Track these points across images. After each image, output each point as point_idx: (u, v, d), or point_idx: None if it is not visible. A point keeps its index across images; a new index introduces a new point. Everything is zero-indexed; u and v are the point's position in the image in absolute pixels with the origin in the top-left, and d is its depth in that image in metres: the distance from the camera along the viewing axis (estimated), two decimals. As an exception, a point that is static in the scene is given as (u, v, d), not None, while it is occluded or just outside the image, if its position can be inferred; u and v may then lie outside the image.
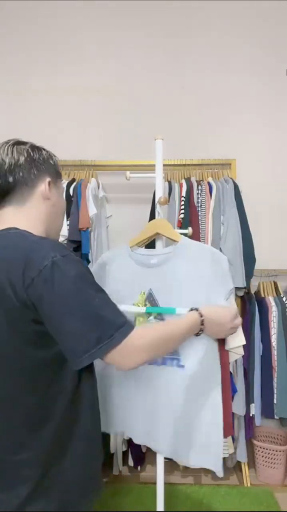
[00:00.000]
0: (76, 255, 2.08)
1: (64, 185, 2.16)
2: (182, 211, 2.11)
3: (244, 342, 1.19)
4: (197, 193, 2.17)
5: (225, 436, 1.14)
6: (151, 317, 1.19)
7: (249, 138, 2.45)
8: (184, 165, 2.25)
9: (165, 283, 1.19)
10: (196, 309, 1.04)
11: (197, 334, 1.04)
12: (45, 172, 0.94)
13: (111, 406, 1.24)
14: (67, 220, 2.13)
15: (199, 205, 2.15)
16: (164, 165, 1.37)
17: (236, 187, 2.16)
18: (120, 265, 1.27)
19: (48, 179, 0.93)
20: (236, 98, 2.46)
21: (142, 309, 1.20)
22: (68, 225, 2.12)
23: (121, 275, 1.25)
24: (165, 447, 1.14)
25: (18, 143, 0.92)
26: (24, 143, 0.94)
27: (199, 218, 2.12)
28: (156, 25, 2.47)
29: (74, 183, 2.19)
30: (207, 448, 1.09)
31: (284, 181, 2.45)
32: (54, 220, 0.96)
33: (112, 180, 2.39)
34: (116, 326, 0.78)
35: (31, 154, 0.91)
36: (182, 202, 2.13)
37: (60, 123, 2.49)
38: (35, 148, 0.95)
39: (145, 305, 1.21)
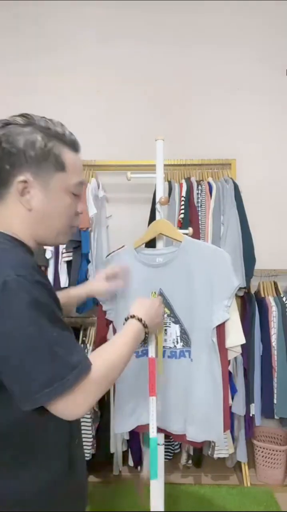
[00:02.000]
0: (76, 254, 2.12)
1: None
2: (182, 211, 2.11)
3: (243, 341, 1.22)
4: (197, 193, 2.17)
5: (224, 430, 1.23)
6: (165, 315, 1.21)
7: (249, 138, 2.45)
8: (184, 165, 2.25)
9: (173, 282, 1.21)
10: (132, 316, 0.96)
11: (144, 340, 0.97)
12: (20, 167, 0.74)
13: (122, 401, 1.30)
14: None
15: (199, 205, 2.15)
16: (164, 165, 1.37)
17: (236, 187, 2.17)
18: (131, 266, 1.27)
19: (21, 178, 0.74)
20: (236, 98, 2.46)
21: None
22: (68, 225, 2.11)
23: (132, 276, 1.25)
24: (175, 425, 1.25)
25: None
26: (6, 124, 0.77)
27: (199, 218, 2.13)
28: (156, 25, 2.47)
29: (74, 183, 2.18)
30: (210, 424, 1.19)
31: (284, 181, 2.45)
32: (42, 223, 0.78)
33: (112, 180, 2.39)
34: (71, 366, 0.65)
35: (2, 143, 0.73)
36: (182, 202, 2.13)
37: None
38: (12, 134, 0.75)
39: None
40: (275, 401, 2.12)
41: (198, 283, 1.18)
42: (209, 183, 2.18)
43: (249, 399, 2.12)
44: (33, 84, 2.50)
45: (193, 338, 1.21)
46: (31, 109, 2.65)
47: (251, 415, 2.12)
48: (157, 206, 1.35)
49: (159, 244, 1.34)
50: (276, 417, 2.13)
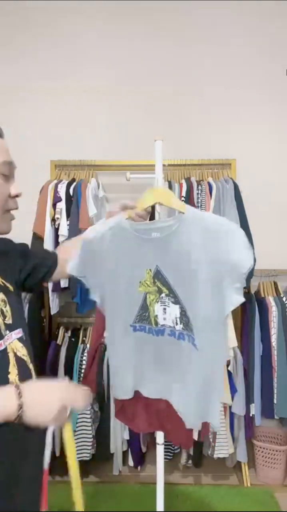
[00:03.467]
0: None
1: (64, 185, 2.16)
2: (182, 211, 2.11)
3: (235, 344, 1.22)
4: (197, 193, 2.17)
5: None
6: (163, 294, 1.08)
7: (249, 138, 2.45)
8: (184, 165, 2.25)
9: (172, 259, 1.04)
10: (16, 386, 0.69)
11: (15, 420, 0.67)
12: None
13: (125, 370, 1.20)
14: (67, 220, 2.13)
15: (199, 205, 2.15)
16: (164, 165, 1.37)
17: (236, 187, 2.17)
18: (119, 240, 1.09)
19: None
20: (236, 98, 2.46)
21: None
22: (68, 225, 2.12)
23: (122, 251, 1.09)
24: (176, 400, 1.16)
25: None
26: None
27: (199, 218, 2.13)
28: (156, 25, 2.47)
29: (74, 183, 2.19)
30: (208, 409, 1.10)
31: (284, 181, 2.45)
32: None
33: (112, 180, 2.39)
34: None
35: None
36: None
37: (60, 123, 2.49)
38: None
39: (154, 282, 1.08)
40: (275, 401, 2.12)
41: (202, 263, 0.99)
42: (209, 183, 2.18)
43: (249, 399, 2.12)
44: (33, 85, 2.50)
45: (198, 325, 1.04)
46: (30, 109, 2.66)
47: (251, 415, 2.12)
48: (157, 206, 1.35)
49: (159, 215, 1.16)
50: (276, 417, 2.13)
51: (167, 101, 2.46)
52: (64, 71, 2.50)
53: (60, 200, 2.13)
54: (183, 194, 2.14)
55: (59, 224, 2.12)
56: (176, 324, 1.09)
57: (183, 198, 2.13)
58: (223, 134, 2.44)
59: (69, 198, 2.14)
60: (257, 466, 2.25)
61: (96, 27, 2.50)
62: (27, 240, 2.05)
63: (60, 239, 2.12)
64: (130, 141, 2.43)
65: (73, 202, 2.13)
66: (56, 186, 2.16)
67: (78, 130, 2.49)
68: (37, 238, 2.11)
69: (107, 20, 2.49)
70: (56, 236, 2.14)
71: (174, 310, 1.08)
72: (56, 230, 2.14)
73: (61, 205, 2.13)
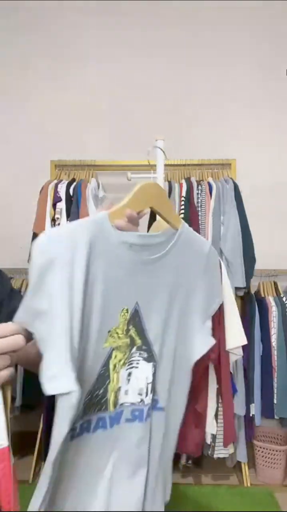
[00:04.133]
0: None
1: (64, 185, 2.16)
2: (182, 211, 2.11)
3: (245, 342, 1.14)
4: (197, 193, 2.17)
5: (227, 443, 0.98)
6: (134, 349, 0.68)
7: (249, 138, 2.45)
8: (184, 165, 2.25)
9: (156, 293, 0.70)
10: None
11: None
12: None
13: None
14: (67, 220, 2.13)
15: (199, 205, 2.15)
16: (164, 165, 1.37)
17: (236, 187, 2.17)
18: (96, 255, 0.61)
19: None
20: (236, 98, 2.46)
21: None
22: (68, 225, 2.12)
23: (101, 275, 0.62)
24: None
25: None
26: None
27: (199, 218, 2.13)
28: (156, 25, 2.47)
29: (74, 183, 2.19)
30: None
31: (284, 181, 2.45)
32: None
33: (112, 180, 2.39)
34: None
35: None
36: (182, 202, 2.13)
37: (60, 123, 2.49)
38: None
39: (128, 331, 0.67)
40: (275, 401, 2.12)
41: (190, 297, 0.74)
42: (209, 183, 2.18)
43: (249, 399, 2.12)
44: (34, 85, 2.50)
45: (166, 378, 0.73)
46: (31, 109, 2.66)
47: (251, 415, 2.12)
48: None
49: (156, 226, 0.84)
50: (276, 417, 2.13)
51: (168, 101, 2.47)
52: (64, 71, 2.50)
53: (60, 200, 2.13)
54: (183, 194, 2.14)
55: (59, 224, 2.12)
56: (146, 394, 0.68)
57: (183, 198, 2.13)
58: (223, 134, 2.44)
59: (69, 198, 2.15)
60: (257, 466, 2.25)
61: (97, 27, 2.50)
62: (27, 240, 2.05)
63: (60, 239, 2.12)
64: (130, 141, 2.43)
65: (73, 202, 2.13)
66: (56, 186, 2.16)
67: (78, 130, 2.49)
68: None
69: (108, 19, 2.49)
70: (56, 236, 2.14)
71: (144, 373, 0.69)
72: (56, 230, 2.13)
73: (61, 205, 2.13)
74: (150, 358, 0.70)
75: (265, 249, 2.30)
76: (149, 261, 0.68)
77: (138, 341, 0.69)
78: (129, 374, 0.69)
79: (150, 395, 0.69)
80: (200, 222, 2.12)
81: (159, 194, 0.75)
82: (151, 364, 0.70)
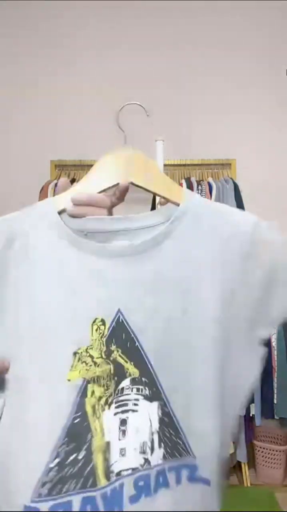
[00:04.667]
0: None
1: (64, 185, 2.16)
2: (182, 211, 2.11)
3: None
4: (197, 193, 2.17)
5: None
6: (126, 382, 0.46)
7: (249, 138, 2.45)
8: (184, 165, 2.26)
9: (155, 296, 0.48)
10: None
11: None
12: None
13: None
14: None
15: (199, 205, 2.16)
16: (164, 165, 1.37)
17: (236, 187, 2.17)
18: (40, 253, 0.47)
19: None
20: (236, 98, 2.46)
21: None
22: (68, 225, 2.12)
23: (44, 276, 0.47)
24: None
25: None
26: None
27: (199, 218, 2.13)
28: (156, 25, 2.47)
29: (74, 183, 2.19)
30: None
31: (284, 181, 2.45)
32: None
33: (112, 180, 2.39)
34: None
35: None
36: (182, 202, 2.13)
37: (60, 123, 2.48)
38: None
39: (109, 352, 0.46)
40: (275, 401, 2.11)
41: (211, 299, 0.49)
42: (209, 183, 2.19)
43: (249, 399, 2.12)
44: (34, 85, 2.50)
45: (198, 427, 0.47)
46: (31, 110, 2.67)
47: (251, 415, 2.12)
48: (157, 206, 1.36)
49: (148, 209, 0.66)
50: (276, 417, 2.13)
51: (168, 101, 2.46)
52: (64, 70, 2.50)
53: (60, 200, 2.13)
54: (183, 194, 2.14)
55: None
56: (150, 451, 0.44)
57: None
58: (223, 134, 2.44)
59: (69, 198, 2.14)
60: (257, 466, 2.25)
61: (96, 26, 2.50)
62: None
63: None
64: (130, 141, 2.42)
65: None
66: (56, 186, 2.16)
67: (78, 130, 2.49)
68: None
69: (107, 19, 2.49)
70: (56, 236, 2.14)
71: (145, 416, 0.46)
72: (56, 230, 2.13)
73: (61, 205, 2.13)
74: (155, 393, 0.46)
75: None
76: (129, 251, 0.48)
77: (132, 370, 0.46)
78: (123, 422, 0.45)
79: (159, 451, 0.44)
80: (200, 222, 2.12)
81: (137, 162, 0.57)
82: (156, 404, 0.46)
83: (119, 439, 0.44)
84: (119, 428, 0.44)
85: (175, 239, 0.49)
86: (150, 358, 0.47)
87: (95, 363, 0.45)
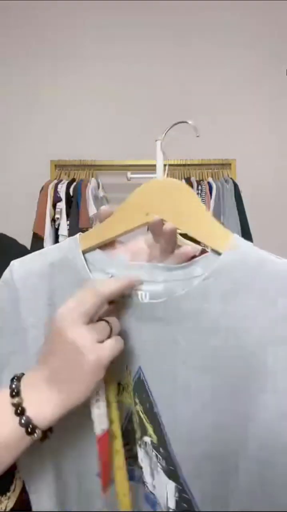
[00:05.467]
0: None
1: (64, 185, 2.16)
2: (182, 211, 2.11)
3: None
4: (197, 193, 2.17)
5: None
6: (145, 440, 0.42)
7: (249, 138, 2.45)
8: (184, 165, 2.26)
9: (175, 359, 0.40)
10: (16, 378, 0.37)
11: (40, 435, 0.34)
12: None
13: None
14: (67, 220, 2.13)
15: (199, 205, 2.16)
16: (164, 165, 1.37)
17: (236, 187, 2.17)
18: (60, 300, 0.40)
19: None
20: (236, 98, 2.46)
21: None
22: (68, 225, 2.12)
23: None
24: None
25: None
26: None
27: (199, 218, 2.13)
28: (156, 26, 2.47)
29: (74, 183, 2.19)
30: None
31: (284, 181, 2.45)
32: None
33: (112, 180, 2.39)
34: None
35: None
36: (182, 202, 2.13)
37: (60, 123, 2.49)
38: None
39: (134, 401, 0.43)
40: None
41: (250, 369, 0.37)
42: (209, 183, 2.19)
43: None
44: (34, 85, 2.50)
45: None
46: (32, 109, 2.65)
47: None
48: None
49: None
50: (276, 417, 2.13)
51: (167, 101, 2.46)
52: (64, 70, 2.50)
53: (60, 200, 2.13)
54: (183, 194, 2.14)
55: (59, 224, 2.12)
56: None
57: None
58: (223, 134, 2.44)
59: (69, 198, 2.15)
60: (257, 466, 2.25)
61: (97, 27, 2.50)
62: (27, 240, 2.05)
63: (60, 239, 2.12)
64: (130, 141, 2.43)
65: (73, 202, 2.14)
66: (56, 186, 2.16)
67: (78, 130, 2.49)
68: (37, 238, 2.11)
69: (108, 20, 2.49)
70: (56, 236, 2.14)
71: (163, 490, 0.42)
72: (56, 230, 2.14)
73: (61, 205, 2.13)
74: (172, 471, 0.40)
75: (265, 249, 2.29)
76: (151, 306, 0.40)
77: (151, 432, 0.41)
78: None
79: None
80: (200, 222, 2.12)
81: (170, 195, 0.42)
82: (171, 481, 0.40)
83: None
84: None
85: (211, 299, 0.38)
86: (167, 425, 0.40)
87: (128, 393, 0.43)
